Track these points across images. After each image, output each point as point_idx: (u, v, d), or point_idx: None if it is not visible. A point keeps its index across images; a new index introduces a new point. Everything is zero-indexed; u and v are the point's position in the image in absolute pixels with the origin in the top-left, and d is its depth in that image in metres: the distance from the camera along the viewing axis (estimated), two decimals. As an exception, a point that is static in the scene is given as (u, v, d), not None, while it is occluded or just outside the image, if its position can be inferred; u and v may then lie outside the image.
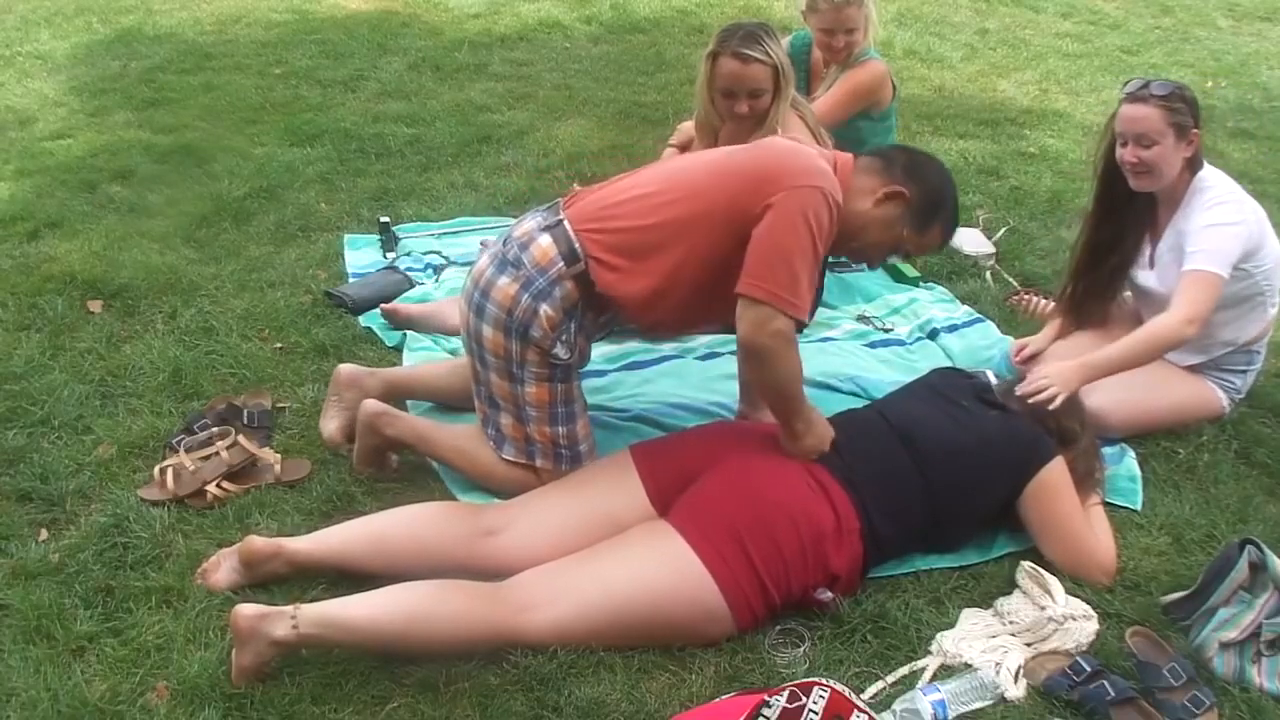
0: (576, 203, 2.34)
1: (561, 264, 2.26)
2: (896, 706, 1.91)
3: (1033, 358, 2.90)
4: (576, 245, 2.25)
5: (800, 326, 2.17)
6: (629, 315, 2.37)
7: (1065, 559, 2.25)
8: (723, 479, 2.17)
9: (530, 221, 2.35)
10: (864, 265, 3.73)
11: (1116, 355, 2.54)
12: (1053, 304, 3.34)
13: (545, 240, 2.28)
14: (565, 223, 2.28)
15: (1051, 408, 2.35)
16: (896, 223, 2.28)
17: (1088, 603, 2.15)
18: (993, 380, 2.45)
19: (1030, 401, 2.36)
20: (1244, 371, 2.82)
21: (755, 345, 2.14)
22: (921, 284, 3.56)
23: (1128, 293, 2.93)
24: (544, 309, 2.26)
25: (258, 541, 2.13)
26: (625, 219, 2.26)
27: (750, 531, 2.06)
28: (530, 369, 2.32)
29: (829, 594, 2.11)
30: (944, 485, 2.22)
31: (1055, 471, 2.25)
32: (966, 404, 2.34)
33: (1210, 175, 2.66)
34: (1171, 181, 2.65)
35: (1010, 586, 2.22)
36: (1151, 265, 2.78)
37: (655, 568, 2.03)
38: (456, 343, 2.97)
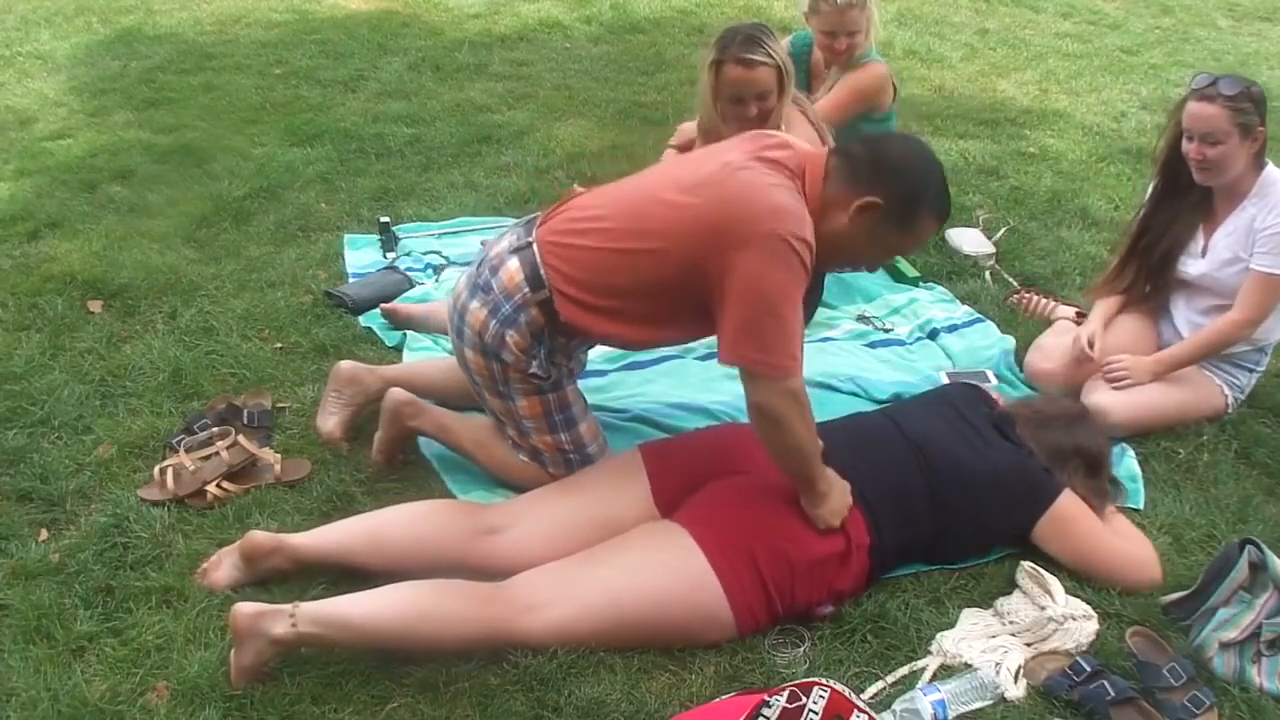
0: (551, 219, 2.30)
1: (527, 290, 2.23)
2: (896, 706, 1.91)
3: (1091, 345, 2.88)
4: (542, 272, 2.22)
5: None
6: (595, 340, 2.39)
7: (1110, 577, 2.22)
8: (736, 486, 2.16)
9: (505, 240, 2.33)
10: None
11: (1185, 352, 2.76)
12: (1053, 303, 3.36)
13: (513, 264, 2.25)
14: (534, 246, 2.25)
15: (1124, 385, 2.68)
16: (877, 232, 2.11)
17: (1088, 603, 2.15)
18: (993, 381, 2.45)
19: (1108, 376, 2.67)
20: (1251, 370, 2.84)
21: (767, 410, 2.04)
22: (921, 284, 3.56)
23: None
24: (510, 335, 2.24)
25: (260, 535, 2.13)
26: (584, 252, 2.20)
27: (760, 540, 2.05)
28: (515, 385, 2.32)
29: (830, 609, 2.11)
30: (949, 503, 2.20)
31: (1065, 503, 2.24)
32: (983, 431, 2.30)
33: (1275, 172, 2.70)
34: (1235, 177, 2.68)
35: (1010, 586, 2.22)
36: (1203, 254, 2.80)
37: (659, 570, 2.03)
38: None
